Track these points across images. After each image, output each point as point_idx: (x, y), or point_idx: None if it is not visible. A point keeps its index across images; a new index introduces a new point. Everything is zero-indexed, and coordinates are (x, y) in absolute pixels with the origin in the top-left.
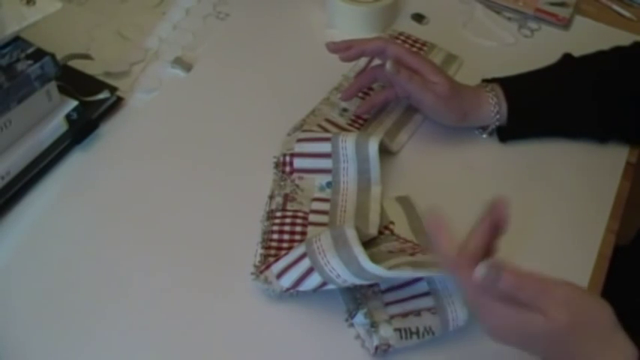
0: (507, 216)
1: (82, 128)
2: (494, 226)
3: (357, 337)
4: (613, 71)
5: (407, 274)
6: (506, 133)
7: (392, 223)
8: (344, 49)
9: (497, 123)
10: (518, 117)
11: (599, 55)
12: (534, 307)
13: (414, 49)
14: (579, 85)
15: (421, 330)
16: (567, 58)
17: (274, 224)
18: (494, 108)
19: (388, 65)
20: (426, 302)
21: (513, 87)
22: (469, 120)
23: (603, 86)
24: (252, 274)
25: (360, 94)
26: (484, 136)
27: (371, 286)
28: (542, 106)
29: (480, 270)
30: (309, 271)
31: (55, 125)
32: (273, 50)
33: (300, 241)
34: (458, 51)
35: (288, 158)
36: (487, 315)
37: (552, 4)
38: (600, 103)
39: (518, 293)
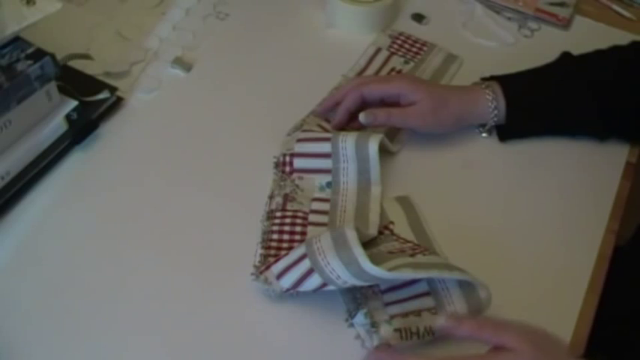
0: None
1: (82, 128)
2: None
3: (357, 337)
4: (612, 70)
5: (407, 275)
6: (505, 132)
7: (392, 223)
8: (329, 108)
9: (495, 120)
10: (517, 115)
11: (598, 53)
12: (499, 345)
13: (414, 49)
14: (578, 83)
15: (421, 330)
16: (566, 56)
17: (274, 224)
18: (491, 104)
19: (362, 118)
20: (426, 302)
21: (512, 85)
22: (465, 120)
23: (602, 85)
24: (252, 274)
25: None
26: (483, 134)
27: (371, 286)
28: (541, 104)
29: (441, 319)
30: (309, 272)
31: (55, 125)
32: (273, 50)
33: (300, 241)
34: (458, 51)
35: (288, 158)
36: None
37: (552, 4)
38: (599, 102)
39: (480, 333)
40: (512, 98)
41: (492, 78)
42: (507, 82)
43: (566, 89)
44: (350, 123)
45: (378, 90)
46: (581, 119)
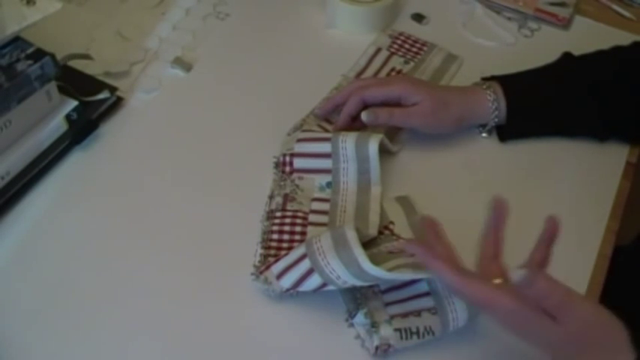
0: (506, 216)
1: (82, 128)
2: (497, 229)
3: (357, 337)
4: (613, 70)
5: (407, 275)
6: (505, 133)
7: (392, 223)
8: (329, 110)
9: (496, 120)
10: (517, 116)
11: (599, 54)
12: (552, 315)
13: (414, 49)
14: (579, 83)
15: (421, 330)
16: (567, 56)
17: (274, 224)
18: (492, 105)
19: (364, 117)
20: (426, 302)
21: (512, 85)
22: (466, 121)
23: (603, 85)
24: (252, 274)
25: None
26: (484, 134)
27: (371, 286)
28: (542, 104)
29: (516, 275)
30: (309, 272)
31: (55, 125)
32: (273, 50)
33: (300, 241)
34: (458, 51)
35: (288, 158)
36: (502, 314)
37: (552, 4)
38: (600, 102)
39: (541, 301)
40: (513, 98)
41: (493, 78)
42: (508, 83)
43: (566, 90)
44: (351, 125)
45: (379, 94)
46: (581, 120)
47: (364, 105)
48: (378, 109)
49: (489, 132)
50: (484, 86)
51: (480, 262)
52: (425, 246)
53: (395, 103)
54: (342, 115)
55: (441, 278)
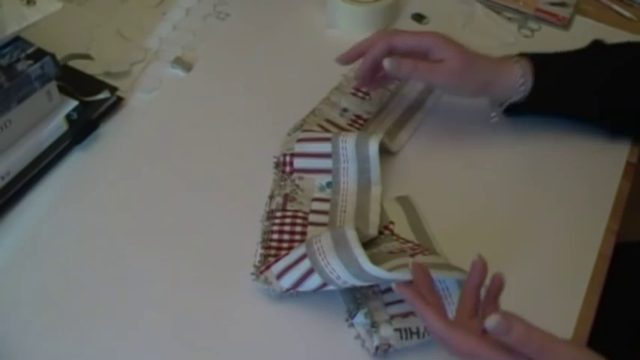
0: (485, 275)
1: (82, 128)
2: (477, 287)
3: (357, 337)
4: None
5: (408, 276)
6: (520, 109)
7: (392, 222)
8: (352, 58)
9: (520, 96)
10: (539, 96)
11: (628, 45)
12: None
13: None
14: (602, 72)
15: (421, 330)
16: (595, 44)
17: (274, 224)
18: (519, 79)
19: (386, 64)
20: None
21: (543, 64)
22: (490, 90)
23: (628, 76)
24: (252, 274)
25: (360, 94)
26: (493, 119)
27: (371, 286)
28: (565, 88)
29: (491, 321)
30: (309, 272)
31: (55, 125)
32: (273, 50)
33: (300, 241)
34: None
35: (288, 158)
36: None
37: (552, 4)
38: (620, 93)
39: (522, 348)
40: (541, 77)
41: (522, 55)
42: (539, 61)
43: (589, 77)
44: (372, 77)
45: (409, 40)
46: (597, 109)
47: (390, 53)
48: (402, 58)
49: (504, 110)
50: (514, 59)
51: (458, 316)
52: (414, 290)
53: (422, 58)
54: (365, 59)
55: (427, 325)
